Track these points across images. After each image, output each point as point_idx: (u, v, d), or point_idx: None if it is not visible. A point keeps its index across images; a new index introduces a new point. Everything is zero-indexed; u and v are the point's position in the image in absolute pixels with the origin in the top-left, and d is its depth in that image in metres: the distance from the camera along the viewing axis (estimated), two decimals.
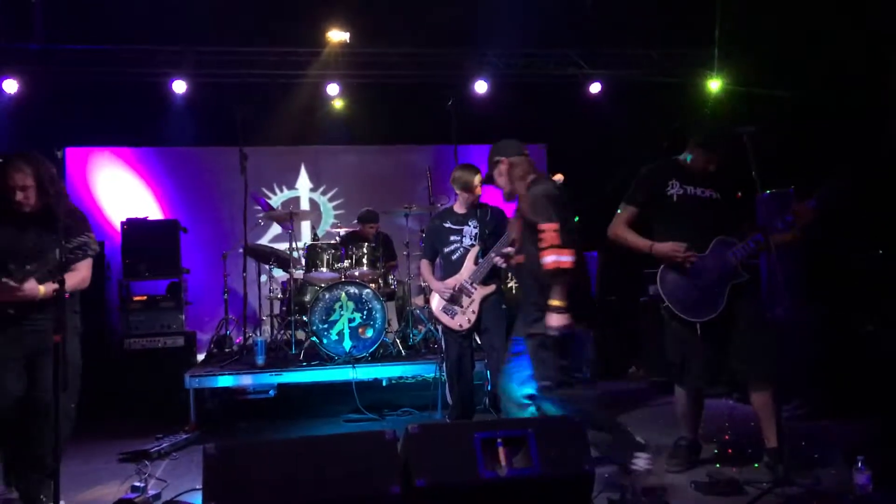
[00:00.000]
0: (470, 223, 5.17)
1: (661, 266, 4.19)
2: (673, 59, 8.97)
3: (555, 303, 3.72)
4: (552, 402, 3.89)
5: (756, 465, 4.13)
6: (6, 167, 3.68)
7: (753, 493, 3.58)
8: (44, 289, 3.68)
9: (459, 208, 5.24)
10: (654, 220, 4.29)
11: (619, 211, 4.34)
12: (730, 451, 4.52)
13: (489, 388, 6.00)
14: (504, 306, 5.17)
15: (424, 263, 5.39)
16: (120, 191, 8.71)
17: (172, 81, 8.27)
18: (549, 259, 3.67)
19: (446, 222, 5.24)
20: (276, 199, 8.90)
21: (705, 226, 4.12)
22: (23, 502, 3.72)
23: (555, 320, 3.73)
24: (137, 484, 3.78)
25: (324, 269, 6.41)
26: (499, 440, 3.03)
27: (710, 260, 4.06)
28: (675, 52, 8.95)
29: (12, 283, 3.58)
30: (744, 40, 8.01)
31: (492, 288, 5.05)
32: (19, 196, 3.69)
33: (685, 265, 4.05)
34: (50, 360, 3.74)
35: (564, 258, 3.67)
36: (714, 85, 8.81)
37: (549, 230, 3.70)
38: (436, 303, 5.17)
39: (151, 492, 3.85)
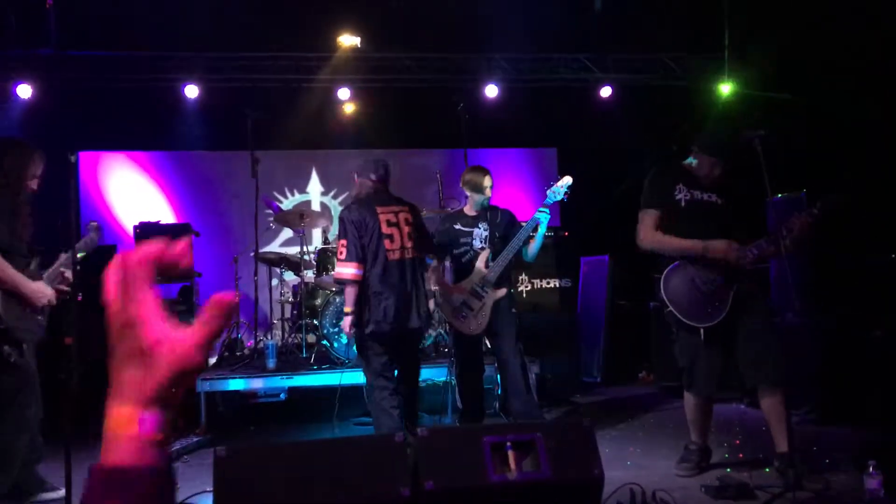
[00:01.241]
0: (480, 226, 5.13)
1: (665, 271, 4.18)
2: (684, 63, 8.96)
3: (346, 309, 4.55)
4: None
5: (767, 469, 4.12)
6: (35, 155, 3.74)
7: (764, 498, 3.59)
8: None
9: (470, 210, 5.21)
10: (659, 225, 4.27)
11: (641, 218, 4.27)
12: (741, 455, 4.51)
13: (499, 391, 6.01)
14: (514, 310, 5.16)
15: (434, 265, 5.38)
16: (132, 195, 8.78)
17: (185, 86, 8.33)
18: (335, 270, 4.72)
19: (456, 224, 5.21)
20: (288, 203, 8.94)
21: (711, 231, 4.09)
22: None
23: (345, 325, 4.57)
24: None
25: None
26: (508, 444, 3.02)
27: (713, 265, 4.05)
28: (687, 55, 8.94)
29: (68, 275, 3.67)
30: (755, 44, 8.00)
31: (503, 291, 5.02)
32: (35, 186, 3.78)
33: (733, 264, 4.00)
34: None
35: (345, 270, 4.49)
36: (725, 89, 8.79)
37: (339, 245, 4.58)
38: (446, 306, 5.13)
39: None
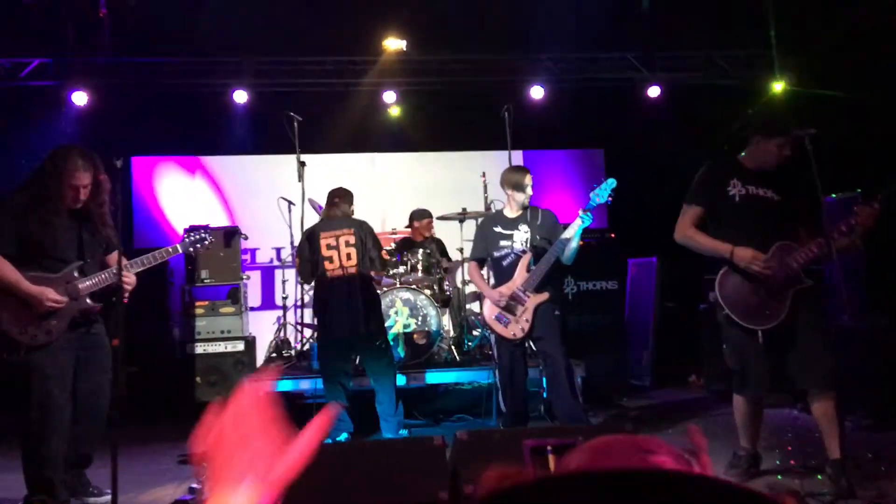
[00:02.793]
0: (521, 227, 5.07)
1: (721, 271, 4.09)
2: (734, 61, 8.79)
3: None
4: None
5: (819, 476, 3.99)
6: (79, 162, 3.79)
7: None
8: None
9: (510, 212, 5.16)
10: (711, 221, 4.18)
11: (682, 212, 4.21)
12: (792, 462, 4.39)
13: (545, 395, 5.95)
14: (557, 312, 5.10)
15: (473, 266, 5.32)
16: (183, 198, 8.95)
17: (234, 91, 8.47)
18: None
19: (496, 226, 5.15)
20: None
21: (766, 228, 3.98)
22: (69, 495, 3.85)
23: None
24: (194, 486, 3.86)
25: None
26: (548, 448, 2.99)
27: (771, 266, 3.94)
28: (736, 53, 8.77)
29: (132, 275, 3.73)
30: (804, 41, 7.80)
31: (545, 296, 4.94)
32: (82, 193, 3.80)
33: (758, 274, 3.92)
34: (98, 363, 3.87)
35: None
36: (778, 86, 8.59)
37: None
38: (488, 311, 5.08)
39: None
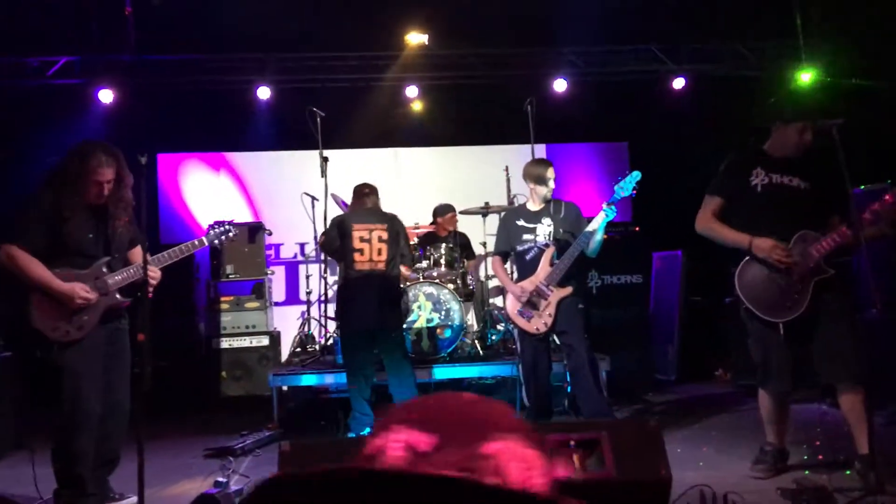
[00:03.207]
0: (543, 221, 5.04)
1: (741, 263, 4.04)
2: (760, 52, 8.68)
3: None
4: None
5: (847, 472, 3.93)
6: (101, 158, 3.80)
7: (843, 502, 3.43)
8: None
9: (533, 205, 5.13)
10: (734, 211, 4.13)
11: (704, 203, 4.18)
12: (820, 457, 4.33)
13: (569, 389, 5.93)
14: (581, 306, 5.06)
15: (497, 261, 5.30)
16: (208, 194, 9.02)
17: (257, 88, 8.52)
18: None
19: (519, 220, 5.12)
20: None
21: (791, 217, 3.92)
22: (95, 497, 3.89)
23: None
24: (220, 479, 3.89)
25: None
26: (572, 442, 2.98)
27: (792, 256, 3.87)
28: (763, 44, 8.65)
29: (158, 270, 3.81)
30: (831, 30, 7.68)
31: (568, 290, 4.91)
32: (105, 188, 3.81)
33: (779, 264, 3.87)
34: (123, 361, 3.92)
35: None
36: (805, 77, 8.47)
37: None
38: (510, 305, 5.05)
39: (234, 487, 3.94)
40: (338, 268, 5.74)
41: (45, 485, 3.93)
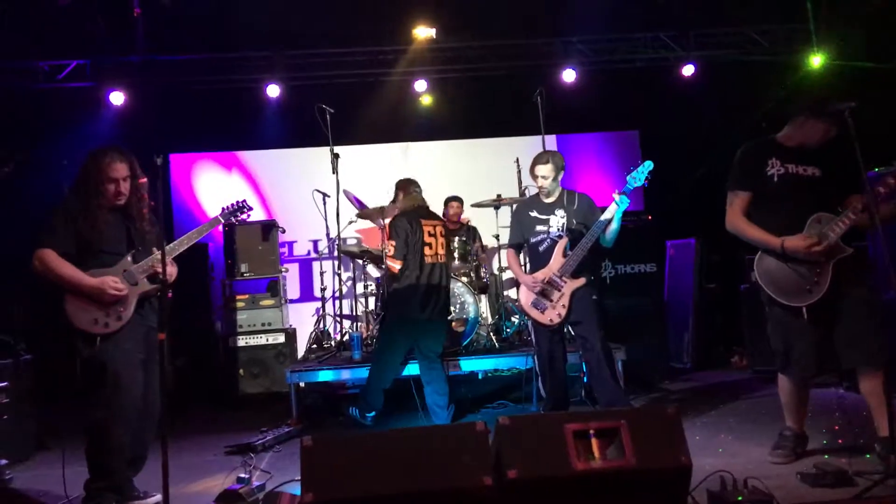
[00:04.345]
0: (557, 212, 5.04)
1: (760, 250, 4.03)
2: (771, 37, 8.62)
3: None
4: None
5: (868, 455, 3.93)
6: (115, 160, 3.93)
7: (864, 485, 3.41)
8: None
9: (545, 197, 5.13)
10: (752, 203, 4.11)
11: (730, 200, 4.14)
12: (839, 441, 4.32)
13: (585, 379, 5.94)
14: (595, 297, 5.06)
15: (511, 253, 5.30)
16: (220, 193, 9.04)
17: (266, 86, 8.54)
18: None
19: (532, 211, 5.13)
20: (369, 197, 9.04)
21: (808, 206, 3.91)
22: (120, 496, 3.95)
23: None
24: (243, 475, 3.92)
25: None
26: (591, 431, 2.99)
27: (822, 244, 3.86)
28: (773, 28, 8.60)
29: (159, 269, 3.88)
30: (843, 12, 7.61)
31: (582, 281, 4.91)
32: (122, 187, 3.95)
33: (809, 258, 3.84)
34: (154, 362, 4.00)
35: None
36: (816, 60, 8.41)
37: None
38: (524, 297, 5.07)
39: (256, 483, 3.99)
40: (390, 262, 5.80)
41: (70, 486, 3.99)
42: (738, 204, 4.11)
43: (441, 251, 5.78)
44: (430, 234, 5.72)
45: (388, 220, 5.95)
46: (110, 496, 3.86)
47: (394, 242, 5.66)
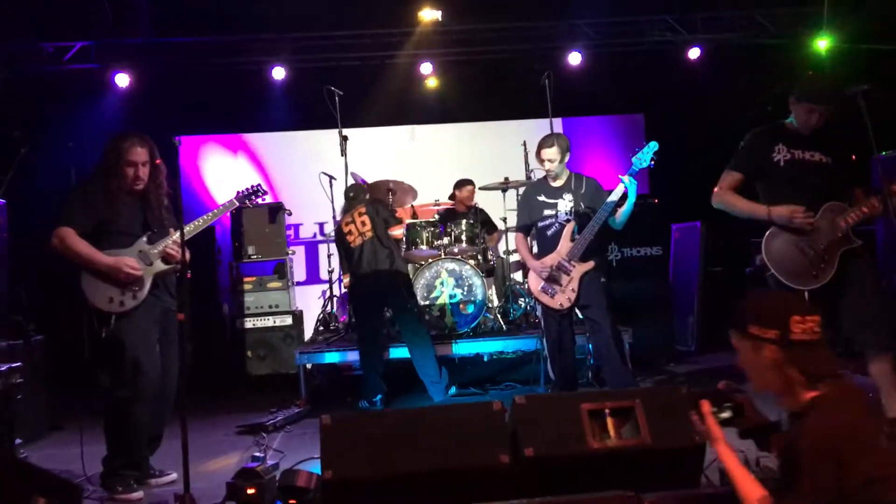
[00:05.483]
0: (565, 196, 5.02)
1: (767, 232, 4.06)
2: (777, 19, 8.59)
3: None
4: None
5: None
6: (133, 144, 3.98)
7: None
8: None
9: (553, 180, 5.11)
10: (758, 188, 4.15)
11: (722, 177, 4.17)
12: None
13: (591, 362, 5.98)
14: (603, 280, 5.08)
15: (519, 237, 5.30)
16: (227, 176, 9.04)
17: (272, 68, 8.53)
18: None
19: (540, 195, 5.11)
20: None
21: (815, 191, 3.93)
22: (138, 474, 4.01)
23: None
24: (258, 454, 3.96)
25: (423, 247, 6.48)
26: (606, 411, 3.03)
27: (819, 226, 3.90)
28: (780, 11, 8.57)
29: (171, 251, 3.97)
30: None
31: (590, 264, 4.91)
32: (140, 171, 4.00)
33: (802, 229, 3.89)
34: (173, 343, 4.04)
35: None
36: (822, 44, 8.39)
37: None
38: (533, 282, 5.06)
39: (270, 461, 4.03)
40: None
41: (87, 464, 4.04)
42: (726, 181, 4.15)
43: (363, 228, 6.02)
44: (346, 225, 6.10)
45: None
46: (129, 473, 3.92)
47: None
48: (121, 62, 8.31)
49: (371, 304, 5.97)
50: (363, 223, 6.02)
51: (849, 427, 2.09)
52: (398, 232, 6.33)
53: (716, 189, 4.19)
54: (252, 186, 4.57)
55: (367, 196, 6.40)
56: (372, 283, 5.86)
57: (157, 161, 4.04)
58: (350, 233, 6.05)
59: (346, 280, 6.32)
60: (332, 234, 7.67)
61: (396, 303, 5.93)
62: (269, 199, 8.66)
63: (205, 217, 4.25)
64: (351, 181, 6.87)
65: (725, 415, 2.57)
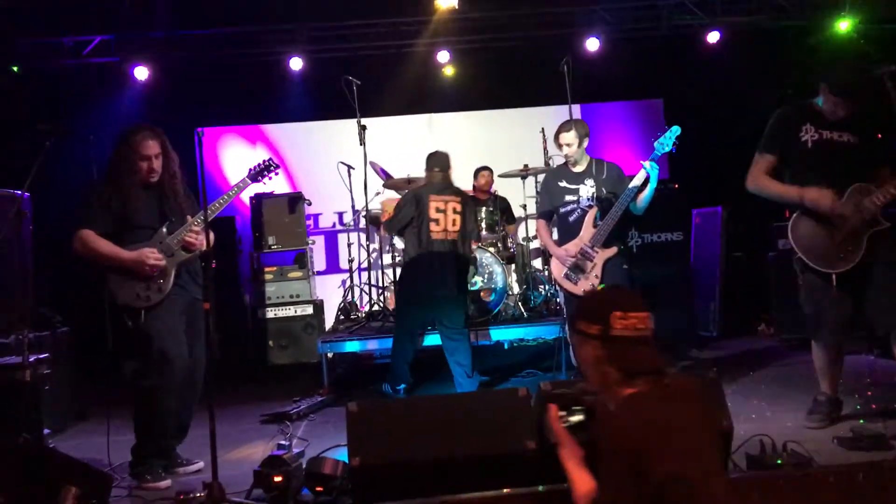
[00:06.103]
0: (586, 182, 4.98)
1: (794, 215, 4.03)
2: (797, 1, 8.48)
3: None
4: None
5: None
6: (146, 138, 3.99)
7: None
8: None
9: (575, 166, 5.07)
10: (785, 168, 4.11)
11: (755, 161, 4.15)
12: (873, 406, 4.33)
13: None
14: (625, 266, 5.05)
15: (541, 224, 5.26)
16: (246, 167, 9.02)
17: (290, 59, 8.53)
18: None
19: (561, 181, 5.07)
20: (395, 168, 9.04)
21: (842, 172, 3.91)
22: (166, 463, 4.06)
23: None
24: (283, 442, 3.99)
25: None
26: None
27: (846, 208, 3.86)
28: None
29: (189, 238, 3.99)
30: None
31: (613, 250, 4.88)
32: (154, 164, 4.01)
33: (829, 214, 3.86)
34: (199, 333, 4.07)
35: None
36: (843, 26, 8.28)
37: None
38: (556, 269, 5.03)
39: (295, 450, 4.05)
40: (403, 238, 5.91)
41: (113, 454, 4.10)
42: (759, 165, 4.13)
43: (452, 228, 5.67)
44: (437, 210, 5.65)
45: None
46: (158, 462, 3.96)
47: (389, 214, 5.81)
48: (140, 55, 8.34)
49: (426, 303, 5.68)
50: (454, 222, 5.70)
51: (652, 425, 2.02)
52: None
53: (749, 174, 4.17)
54: (264, 161, 4.50)
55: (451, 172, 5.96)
56: (438, 284, 5.59)
57: (170, 151, 4.05)
58: (437, 221, 5.65)
59: (382, 232, 6.01)
60: (352, 223, 7.71)
61: (451, 306, 5.70)
62: (287, 188, 8.72)
63: (220, 200, 4.23)
64: (371, 171, 6.87)
65: (575, 418, 2.53)
